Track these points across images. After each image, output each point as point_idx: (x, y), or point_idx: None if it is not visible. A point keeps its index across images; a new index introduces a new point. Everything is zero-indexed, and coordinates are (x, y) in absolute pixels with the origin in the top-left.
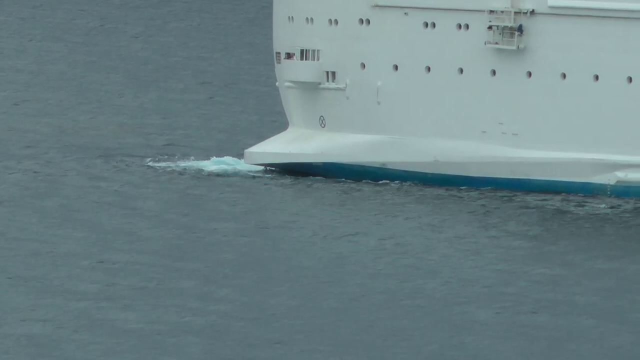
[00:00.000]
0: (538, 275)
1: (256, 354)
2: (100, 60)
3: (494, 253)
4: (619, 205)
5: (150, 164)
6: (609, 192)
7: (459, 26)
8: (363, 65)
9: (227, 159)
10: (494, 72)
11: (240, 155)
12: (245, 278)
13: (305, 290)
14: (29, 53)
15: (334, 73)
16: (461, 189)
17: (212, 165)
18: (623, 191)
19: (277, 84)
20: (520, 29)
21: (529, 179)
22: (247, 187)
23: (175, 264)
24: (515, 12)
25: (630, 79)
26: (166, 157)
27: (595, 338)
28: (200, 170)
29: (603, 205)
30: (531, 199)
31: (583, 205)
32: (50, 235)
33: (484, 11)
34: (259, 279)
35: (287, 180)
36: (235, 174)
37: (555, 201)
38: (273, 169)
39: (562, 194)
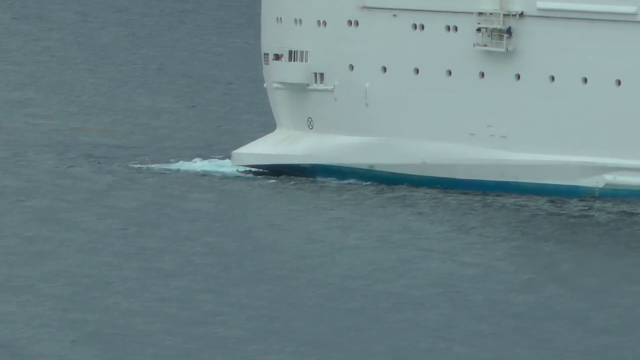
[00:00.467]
0: (518, 277)
1: (231, 354)
2: (89, 59)
3: (475, 255)
4: (605, 207)
5: (136, 165)
6: (597, 195)
7: (448, 28)
8: (351, 67)
9: (214, 160)
10: (482, 75)
11: (227, 156)
12: (224, 278)
13: (283, 290)
14: (19, 52)
15: (322, 74)
16: (447, 191)
17: (198, 166)
18: (611, 194)
19: (265, 85)
20: (509, 31)
21: (517, 182)
22: (231, 188)
23: (154, 264)
24: (504, 15)
25: (618, 82)
26: (152, 158)
27: (572, 340)
28: (186, 171)
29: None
30: (517, 201)
31: (569, 207)
32: (29, 234)
33: (472, 13)
34: (237, 279)
35: (273, 181)
36: (222, 175)
37: (540, 203)
38: (260, 170)
39: (550, 196)
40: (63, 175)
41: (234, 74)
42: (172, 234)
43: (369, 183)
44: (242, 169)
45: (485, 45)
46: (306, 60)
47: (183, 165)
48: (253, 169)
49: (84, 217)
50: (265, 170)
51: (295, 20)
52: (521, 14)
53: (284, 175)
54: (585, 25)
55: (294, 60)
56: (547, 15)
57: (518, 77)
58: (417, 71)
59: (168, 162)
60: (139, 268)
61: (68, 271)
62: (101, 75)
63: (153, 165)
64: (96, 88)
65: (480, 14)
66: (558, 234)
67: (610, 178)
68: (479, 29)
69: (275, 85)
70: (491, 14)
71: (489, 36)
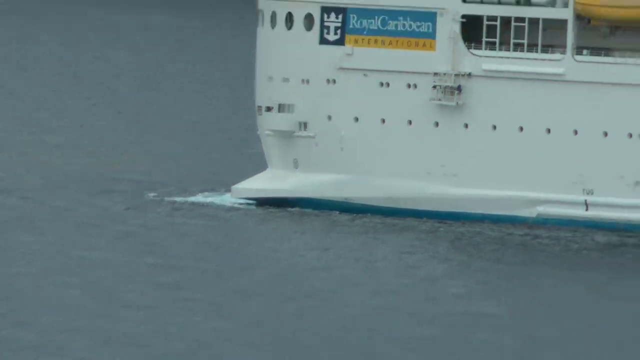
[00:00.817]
0: (456, 290)
1: None
2: (114, 106)
3: (424, 271)
4: (541, 234)
5: (151, 196)
6: (531, 223)
7: (409, 85)
8: (329, 117)
9: (217, 193)
10: (437, 124)
11: (227, 190)
12: (220, 294)
13: (273, 303)
14: (57, 103)
15: (305, 123)
16: (408, 219)
17: (203, 198)
18: (542, 222)
19: (258, 132)
20: (459, 88)
21: (467, 212)
22: (231, 216)
23: (160, 279)
24: (455, 75)
25: (548, 130)
26: (166, 191)
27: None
28: (192, 202)
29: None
30: (466, 228)
31: (508, 232)
32: (36, 261)
33: (429, 73)
34: (231, 295)
35: (266, 210)
36: (223, 205)
37: (485, 229)
38: (255, 202)
39: (493, 224)
40: (82, 205)
41: (234, 122)
42: (179, 253)
43: (344, 213)
44: (240, 201)
45: (439, 100)
46: (292, 112)
47: (190, 197)
48: (249, 201)
49: (100, 240)
50: (259, 202)
51: (284, 78)
52: (469, 74)
53: (274, 206)
54: (522, 84)
55: (282, 112)
56: (491, 75)
57: (466, 125)
58: (383, 121)
59: (179, 194)
60: (151, 283)
61: (56, 296)
62: (121, 121)
63: (167, 198)
64: (117, 133)
65: (435, 74)
66: (499, 254)
67: (541, 209)
68: (434, 86)
69: (267, 132)
70: (445, 74)
71: (442, 92)
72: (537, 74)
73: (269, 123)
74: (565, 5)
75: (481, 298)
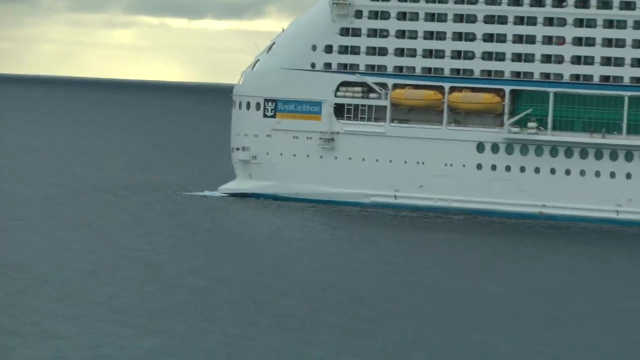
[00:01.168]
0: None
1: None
2: (152, 144)
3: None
4: (371, 212)
5: (177, 192)
6: (366, 207)
7: (308, 137)
8: (268, 153)
9: (212, 190)
10: (321, 157)
11: (216, 189)
12: (211, 254)
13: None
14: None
15: (255, 156)
16: (311, 204)
17: (204, 193)
18: (373, 206)
19: (232, 160)
20: (332, 139)
21: (336, 200)
22: (218, 202)
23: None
24: (331, 132)
25: (377, 160)
26: (182, 190)
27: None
28: (199, 195)
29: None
30: (337, 209)
31: (355, 211)
32: (89, 257)
33: (318, 132)
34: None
35: (236, 199)
36: (215, 197)
37: (345, 209)
38: (230, 195)
39: (352, 207)
40: (143, 197)
41: (221, 155)
42: (192, 219)
43: (277, 200)
44: (223, 194)
45: (323, 145)
46: (249, 151)
47: (197, 192)
48: (227, 195)
49: (150, 213)
50: (232, 195)
51: (245, 134)
52: (338, 132)
53: (241, 197)
54: (364, 137)
55: (244, 151)
56: (349, 133)
57: (336, 157)
58: (295, 155)
59: (192, 191)
60: (178, 233)
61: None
62: (163, 157)
63: (184, 193)
64: (161, 163)
65: (321, 132)
66: (351, 222)
67: (372, 199)
68: (320, 138)
69: (236, 160)
70: (325, 132)
71: (324, 141)
72: (372, 132)
73: (238, 156)
74: (386, 98)
75: (346, 243)
